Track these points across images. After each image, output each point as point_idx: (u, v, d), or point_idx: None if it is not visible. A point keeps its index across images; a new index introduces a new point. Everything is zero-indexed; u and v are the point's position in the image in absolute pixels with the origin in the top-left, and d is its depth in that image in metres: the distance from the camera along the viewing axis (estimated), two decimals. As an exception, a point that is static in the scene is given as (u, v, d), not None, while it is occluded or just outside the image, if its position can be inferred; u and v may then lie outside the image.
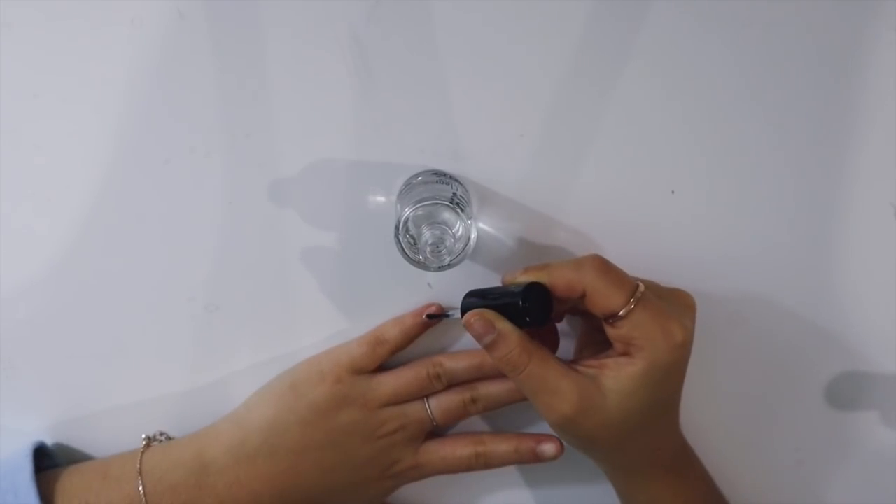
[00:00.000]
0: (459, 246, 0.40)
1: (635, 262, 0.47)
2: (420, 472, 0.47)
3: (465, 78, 0.44)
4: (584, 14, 0.43)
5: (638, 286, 0.39)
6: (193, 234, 0.46)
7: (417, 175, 0.45)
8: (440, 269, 0.40)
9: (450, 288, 0.47)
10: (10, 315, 0.47)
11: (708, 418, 0.51)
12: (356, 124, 0.45)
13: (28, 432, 0.49)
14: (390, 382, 0.46)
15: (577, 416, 0.39)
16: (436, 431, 0.48)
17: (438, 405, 0.46)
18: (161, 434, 0.47)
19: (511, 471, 0.52)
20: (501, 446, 0.47)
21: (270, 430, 0.44)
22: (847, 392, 0.51)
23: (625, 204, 0.47)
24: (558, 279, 0.39)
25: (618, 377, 0.39)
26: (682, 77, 0.45)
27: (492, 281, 0.47)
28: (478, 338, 0.40)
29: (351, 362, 0.46)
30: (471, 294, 0.43)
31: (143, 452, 0.45)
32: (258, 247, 0.47)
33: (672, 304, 0.41)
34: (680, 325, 0.39)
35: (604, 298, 0.39)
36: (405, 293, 0.48)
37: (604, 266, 0.39)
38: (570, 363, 0.41)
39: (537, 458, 0.47)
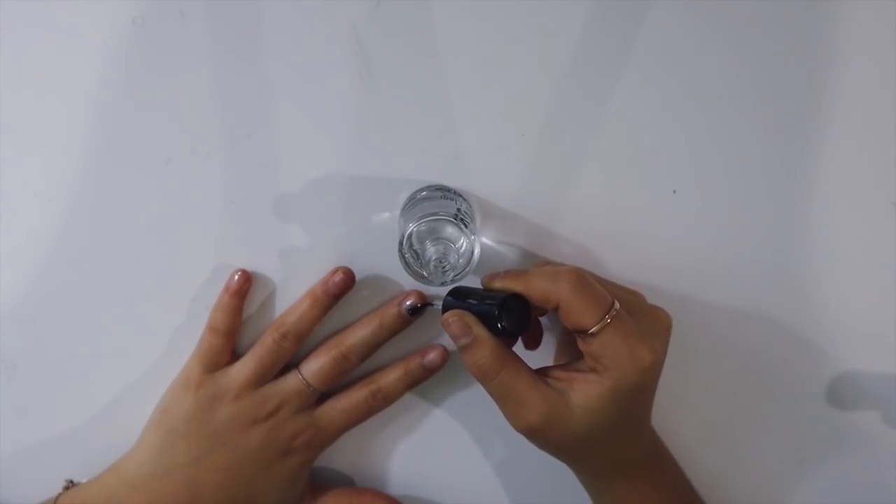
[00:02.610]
0: (463, 261, 0.40)
1: (637, 261, 0.47)
2: (325, 435, 0.47)
3: (466, 78, 0.44)
4: (584, 14, 0.43)
5: (613, 304, 0.39)
6: (195, 234, 0.46)
7: (421, 190, 0.45)
8: (443, 284, 0.40)
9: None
10: (10, 315, 0.47)
11: (710, 417, 0.52)
12: (357, 124, 0.45)
13: (28, 432, 0.49)
14: (246, 365, 0.46)
15: (542, 426, 0.40)
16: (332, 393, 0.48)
17: (309, 371, 0.46)
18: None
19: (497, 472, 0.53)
20: (391, 375, 0.47)
21: (159, 453, 0.45)
22: (848, 391, 0.51)
23: (627, 204, 0.47)
24: (534, 290, 0.40)
25: (585, 394, 0.39)
26: (682, 77, 0.44)
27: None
28: (454, 338, 0.40)
29: (201, 364, 0.46)
30: (454, 292, 0.43)
31: (58, 496, 0.46)
32: (260, 247, 0.47)
33: (646, 324, 0.41)
34: (649, 348, 0.39)
35: (576, 314, 0.39)
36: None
37: (580, 281, 0.39)
38: (542, 373, 0.41)
39: (428, 370, 0.47)
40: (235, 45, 0.43)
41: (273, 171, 0.45)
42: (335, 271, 0.45)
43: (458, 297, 0.42)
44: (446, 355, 0.47)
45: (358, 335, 0.46)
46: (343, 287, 0.45)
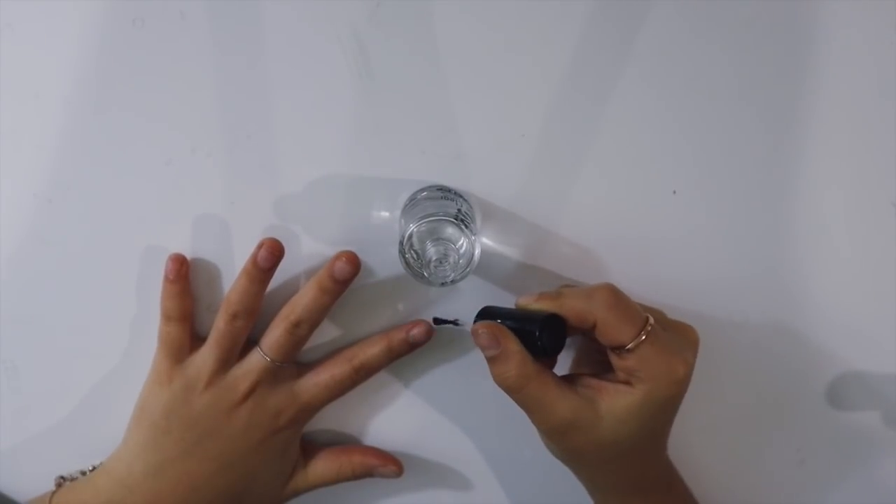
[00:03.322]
0: (464, 262, 0.40)
1: (637, 262, 0.47)
2: (309, 409, 0.47)
3: (466, 78, 0.44)
4: (584, 15, 0.43)
5: (647, 320, 0.39)
6: (195, 235, 0.46)
7: (422, 190, 0.45)
8: (443, 285, 0.40)
9: (451, 303, 0.48)
10: (11, 315, 0.47)
11: (711, 418, 0.52)
12: (357, 125, 0.45)
13: (29, 431, 0.49)
14: (209, 351, 0.45)
15: (568, 430, 0.40)
16: (304, 368, 0.48)
17: (268, 345, 0.45)
18: (81, 472, 0.48)
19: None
20: (374, 350, 0.47)
21: (147, 451, 0.45)
22: (849, 392, 0.51)
23: (627, 205, 0.47)
24: (570, 310, 0.40)
25: (615, 403, 0.39)
26: (682, 77, 0.44)
27: (495, 296, 0.47)
28: (482, 349, 0.40)
29: (166, 355, 0.46)
30: (488, 309, 0.43)
31: (52, 494, 0.46)
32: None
33: (677, 339, 0.42)
34: (683, 361, 0.40)
35: (614, 331, 0.39)
36: (406, 304, 0.48)
37: (615, 298, 0.40)
38: (571, 381, 0.41)
39: (412, 346, 0.47)
40: (235, 47, 0.43)
41: (273, 172, 0.45)
42: (338, 257, 0.44)
43: (493, 315, 0.42)
44: (432, 331, 0.47)
45: (304, 302, 0.45)
46: (349, 272, 0.44)
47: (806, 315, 0.49)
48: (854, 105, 0.45)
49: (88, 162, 0.45)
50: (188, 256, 0.46)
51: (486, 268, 0.47)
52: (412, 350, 0.48)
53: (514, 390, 0.40)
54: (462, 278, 0.40)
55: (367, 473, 0.49)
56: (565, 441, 0.41)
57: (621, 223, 0.47)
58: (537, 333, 0.39)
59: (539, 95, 0.44)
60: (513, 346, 0.40)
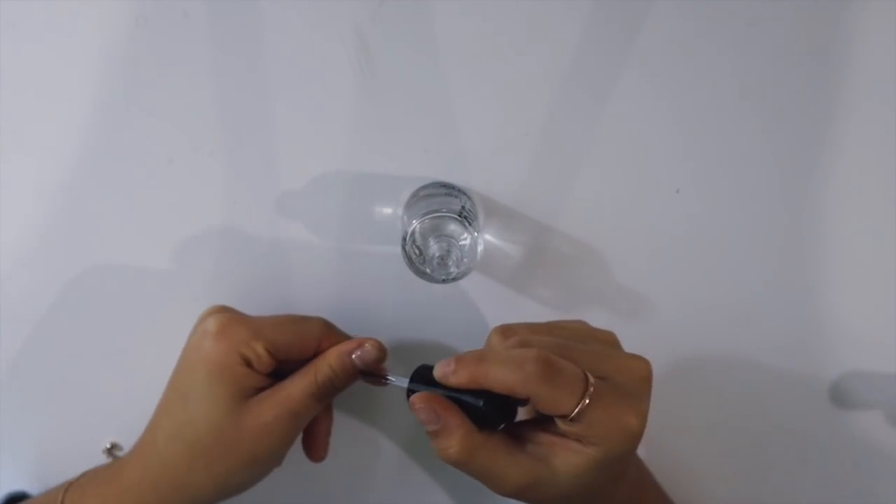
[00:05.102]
0: (466, 259, 0.40)
1: (639, 261, 0.47)
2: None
3: (469, 77, 0.44)
4: (586, 15, 0.43)
5: (587, 382, 0.36)
6: (198, 233, 0.46)
7: (425, 187, 0.45)
8: (445, 281, 0.40)
9: (453, 300, 0.48)
10: (13, 314, 0.47)
11: (713, 418, 0.51)
12: (360, 124, 0.45)
13: (30, 430, 0.49)
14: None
15: (524, 491, 0.37)
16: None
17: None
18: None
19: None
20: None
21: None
22: (851, 392, 0.51)
23: (630, 204, 0.47)
24: (497, 383, 0.36)
25: (570, 460, 0.37)
26: (685, 76, 0.44)
27: (496, 293, 0.47)
28: (421, 423, 0.37)
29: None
30: (424, 370, 0.38)
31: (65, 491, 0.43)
32: (262, 247, 0.47)
33: (626, 385, 0.37)
34: (636, 414, 0.36)
35: (551, 404, 0.35)
36: (408, 301, 0.48)
37: (547, 370, 0.35)
38: (521, 436, 0.38)
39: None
40: (238, 45, 0.43)
41: (276, 170, 0.45)
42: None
43: (428, 381, 0.37)
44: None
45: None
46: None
47: (808, 314, 0.49)
48: (856, 104, 0.45)
49: (90, 161, 0.45)
50: (188, 256, 0.46)
51: (489, 265, 0.47)
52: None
53: (459, 465, 0.37)
54: (464, 275, 0.40)
55: (350, 369, 0.43)
56: (523, 498, 0.38)
57: (624, 222, 0.47)
58: (482, 403, 0.36)
59: (542, 94, 0.44)
60: (454, 419, 0.37)
